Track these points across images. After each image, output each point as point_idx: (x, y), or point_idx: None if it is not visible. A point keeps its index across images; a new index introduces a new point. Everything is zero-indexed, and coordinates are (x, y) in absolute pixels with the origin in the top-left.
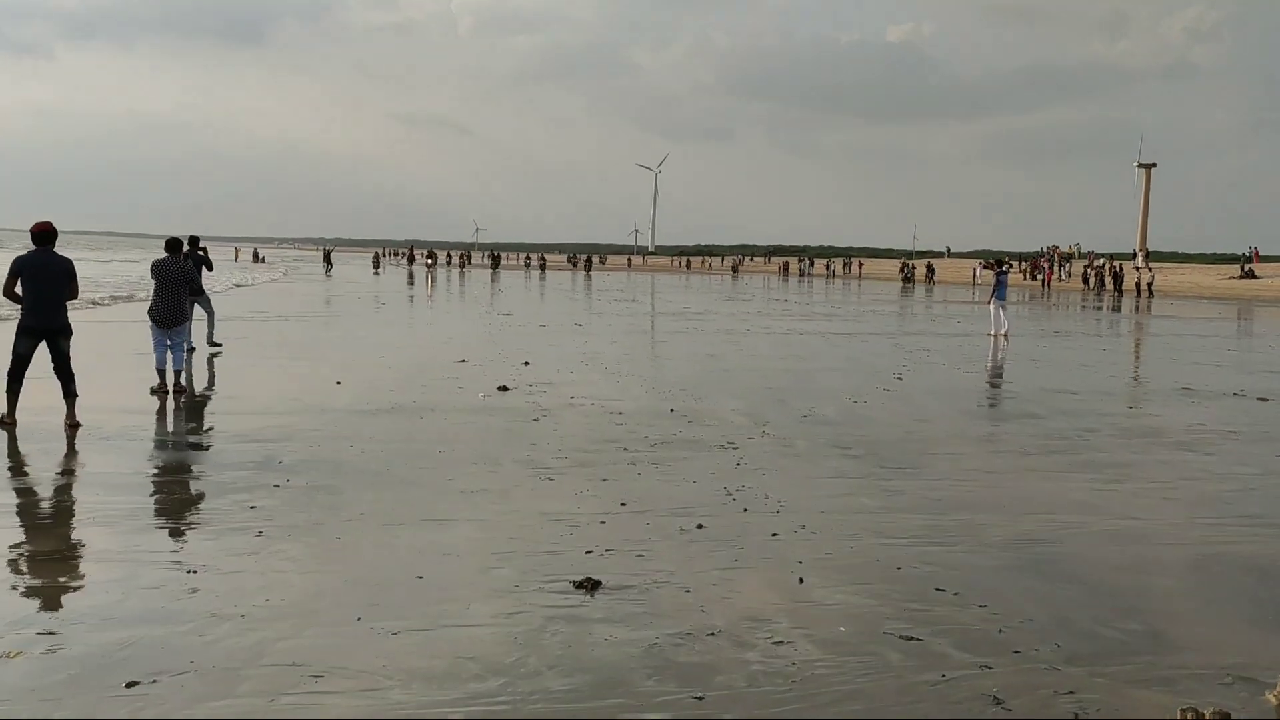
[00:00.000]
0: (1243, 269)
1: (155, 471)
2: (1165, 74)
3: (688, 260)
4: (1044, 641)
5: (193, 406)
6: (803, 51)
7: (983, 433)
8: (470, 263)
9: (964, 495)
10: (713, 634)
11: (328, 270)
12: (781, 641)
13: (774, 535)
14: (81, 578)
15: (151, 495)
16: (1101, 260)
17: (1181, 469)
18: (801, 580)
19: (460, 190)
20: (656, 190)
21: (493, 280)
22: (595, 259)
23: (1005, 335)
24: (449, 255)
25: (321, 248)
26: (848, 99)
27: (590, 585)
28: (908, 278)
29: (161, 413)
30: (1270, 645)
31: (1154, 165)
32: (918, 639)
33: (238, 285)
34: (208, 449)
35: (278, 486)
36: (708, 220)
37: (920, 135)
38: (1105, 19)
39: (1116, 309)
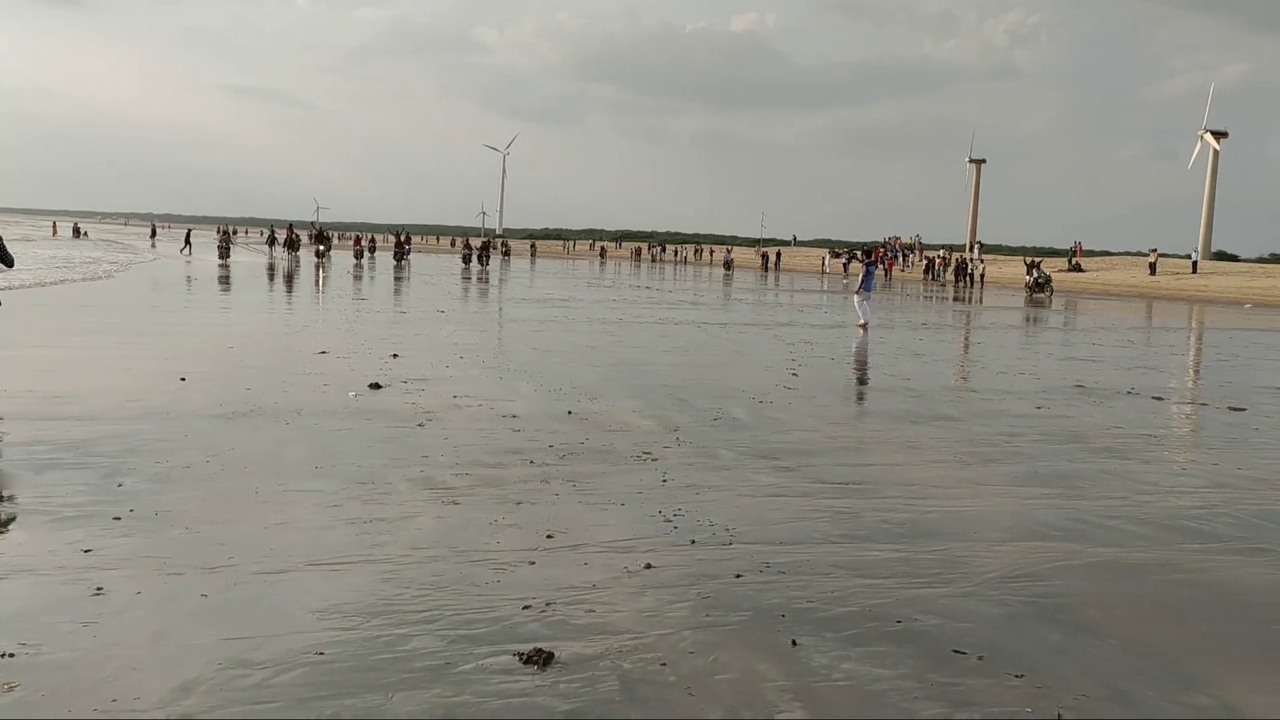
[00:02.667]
0: (1070, 263)
1: None
2: (991, 74)
3: (602, 248)
4: None
5: (5, 410)
6: (649, 37)
7: (906, 438)
8: (375, 249)
9: (924, 518)
10: None
11: (186, 251)
12: None
13: (738, 577)
14: None
15: None
16: (942, 253)
17: (1128, 481)
18: (795, 643)
19: (299, 167)
20: (504, 172)
21: (396, 269)
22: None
23: (865, 326)
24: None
25: (151, 223)
26: (694, 86)
27: (542, 659)
28: (766, 265)
29: None
30: None
31: (984, 161)
32: None
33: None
34: (26, 467)
35: (119, 519)
36: (556, 204)
37: (764, 124)
38: (934, 19)
39: (960, 299)
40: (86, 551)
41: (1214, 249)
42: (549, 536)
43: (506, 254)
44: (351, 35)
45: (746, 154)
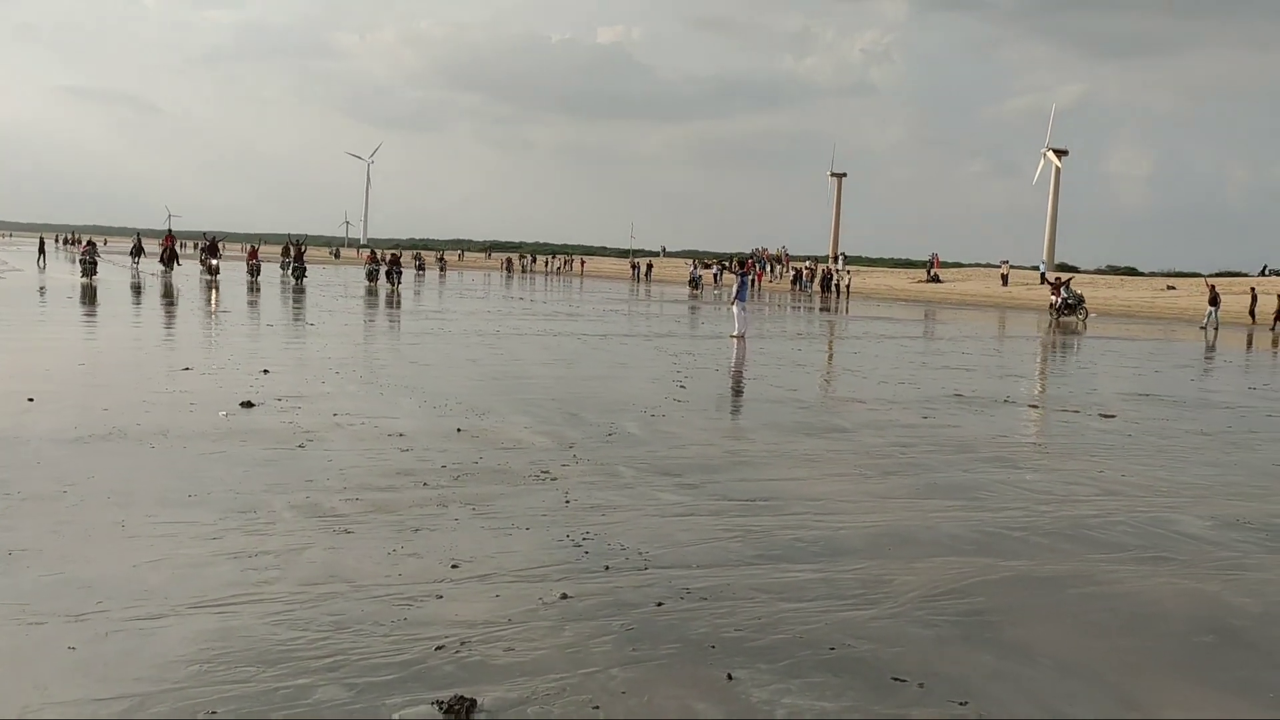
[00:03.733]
0: (929, 274)
1: None
2: (848, 90)
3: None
4: None
5: None
6: (514, 46)
7: (803, 451)
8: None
9: (837, 535)
10: None
11: (40, 260)
12: None
13: (659, 605)
14: None
15: None
16: (809, 264)
17: (1025, 491)
18: (730, 676)
19: (147, 173)
20: (369, 181)
21: (295, 286)
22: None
23: (742, 337)
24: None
25: None
26: (559, 96)
27: (464, 707)
28: (637, 275)
29: None
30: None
31: (845, 175)
32: None
33: None
34: None
35: None
36: (422, 213)
37: (630, 136)
38: (794, 36)
39: (828, 309)
40: None
41: (1057, 260)
42: (454, 566)
43: (421, 268)
44: (202, 37)
45: (612, 165)
